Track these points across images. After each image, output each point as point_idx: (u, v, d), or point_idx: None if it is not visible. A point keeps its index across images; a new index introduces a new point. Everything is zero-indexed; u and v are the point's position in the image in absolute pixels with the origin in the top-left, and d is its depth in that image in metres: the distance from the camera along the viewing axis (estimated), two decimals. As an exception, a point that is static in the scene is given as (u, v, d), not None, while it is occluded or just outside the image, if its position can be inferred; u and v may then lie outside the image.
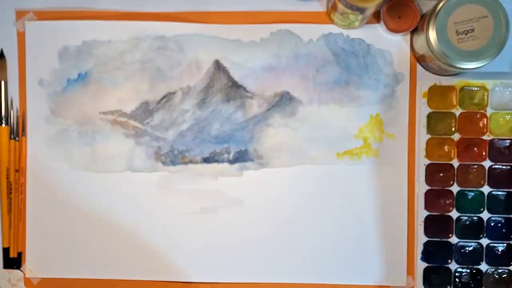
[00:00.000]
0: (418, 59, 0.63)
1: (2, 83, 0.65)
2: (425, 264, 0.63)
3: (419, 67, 0.64)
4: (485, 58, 0.56)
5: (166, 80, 0.64)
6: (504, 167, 0.63)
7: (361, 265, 0.64)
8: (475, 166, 0.63)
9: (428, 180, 0.63)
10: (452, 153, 0.63)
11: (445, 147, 0.63)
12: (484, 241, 0.63)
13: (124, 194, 0.65)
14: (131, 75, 0.64)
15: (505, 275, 0.63)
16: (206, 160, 0.65)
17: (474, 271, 0.63)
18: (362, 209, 0.64)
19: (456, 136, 0.63)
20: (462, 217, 0.63)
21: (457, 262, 0.63)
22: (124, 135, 0.65)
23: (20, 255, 0.66)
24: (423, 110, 0.63)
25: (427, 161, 0.63)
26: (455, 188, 0.63)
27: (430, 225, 0.63)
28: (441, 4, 0.56)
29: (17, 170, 0.65)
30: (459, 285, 0.63)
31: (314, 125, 0.64)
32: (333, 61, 0.64)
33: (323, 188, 0.64)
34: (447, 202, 0.63)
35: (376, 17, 0.63)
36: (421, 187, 0.63)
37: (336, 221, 0.64)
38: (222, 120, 0.65)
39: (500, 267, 0.63)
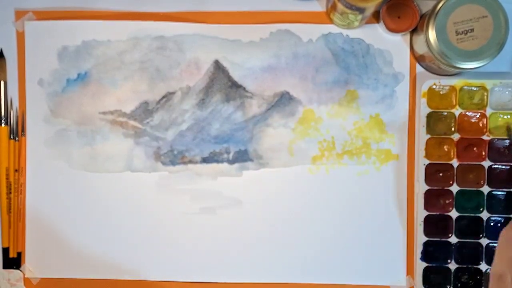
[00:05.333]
0: (418, 59, 0.63)
1: (2, 83, 0.65)
2: (425, 264, 0.63)
3: (418, 67, 0.64)
4: (484, 58, 0.56)
5: (166, 80, 0.64)
6: (503, 167, 0.63)
7: (361, 265, 0.64)
8: (475, 166, 0.63)
9: (428, 180, 0.63)
10: (452, 153, 0.63)
11: (445, 147, 0.63)
12: (484, 241, 0.63)
13: (123, 194, 0.65)
14: (130, 75, 0.64)
15: (504, 275, 0.63)
16: (206, 160, 0.65)
17: (473, 271, 0.63)
18: (362, 209, 0.64)
19: (456, 136, 0.63)
20: (461, 217, 0.63)
21: (457, 262, 0.63)
22: (124, 135, 0.65)
23: (19, 255, 0.66)
24: (422, 110, 0.63)
25: (427, 161, 0.63)
26: (454, 188, 0.63)
27: (430, 225, 0.63)
28: (440, 4, 0.56)
29: (16, 170, 0.65)
30: (459, 285, 0.63)
31: (314, 125, 0.64)
32: (332, 61, 0.64)
33: (323, 188, 0.64)
34: (447, 202, 0.63)
35: (376, 17, 0.63)
36: (421, 187, 0.63)
37: (335, 221, 0.64)
38: (221, 120, 0.65)
39: (500, 267, 0.63)
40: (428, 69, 0.63)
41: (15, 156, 0.65)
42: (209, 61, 0.64)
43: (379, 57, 0.64)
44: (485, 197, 0.63)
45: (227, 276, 0.65)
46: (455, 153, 0.63)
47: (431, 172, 0.63)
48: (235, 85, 0.64)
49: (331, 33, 0.64)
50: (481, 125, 0.63)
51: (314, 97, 0.64)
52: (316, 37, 0.64)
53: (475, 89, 0.63)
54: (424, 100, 0.63)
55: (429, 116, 0.63)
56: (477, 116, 0.63)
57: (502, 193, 0.63)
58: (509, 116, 0.63)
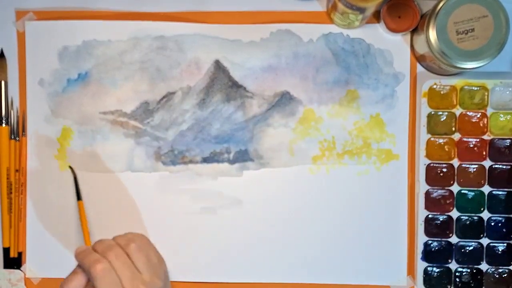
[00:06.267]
0: (418, 58, 0.63)
1: (2, 83, 0.65)
2: (425, 264, 0.63)
3: (419, 67, 0.64)
4: (485, 57, 0.56)
5: (166, 80, 0.64)
6: (504, 166, 0.63)
7: (361, 265, 0.64)
8: (475, 166, 0.63)
9: (428, 180, 0.63)
10: (452, 153, 0.63)
11: (445, 147, 0.63)
12: (485, 241, 0.63)
13: (124, 194, 0.65)
14: (131, 75, 0.64)
15: (505, 275, 0.63)
16: (206, 160, 0.65)
17: (474, 271, 0.63)
18: (362, 209, 0.64)
19: (456, 136, 0.63)
20: (462, 217, 0.63)
21: (458, 262, 0.63)
22: (124, 135, 0.65)
23: (20, 255, 0.66)
24: (423, 110, 0.63)
25: (427, 161, 0.63)
26: (455, 188, 0.63)
27: (430, 225, 0.63)
28: (441, 4, 0.56)
29: (17, 170, 0.65)
30: (460, 285, 0.63)
31: (314, 125, 0.64)
32: (333, 61, 0.64)
33: (323, 188, 0.64)
34: (447, 202, 0.63)
35: (376, 16, 0.63)
36: (421, 187, 0.63)
37: (336, 221, 0.64)
38: (222, 120, 0.65)
39: (501, 267, 0.63)
40: (428, 69, 0.63)
41: (16, 156, 0.65)
42: (210, 61, 0.64)
43: (380, 57, 0.64)
44: (486, 197, 0.63)
45: (227, 276, 0.65)
46: (456, 153, 0.63)
47: (431, 172, 0.63)
48: (235, 85, 0.64)
49: (331, 33, 0.64)
50: (481, 125, 0.63)
51: (314, 97, 0.64)
52: (316, 37, 0.64)
53: (475, 89, 0.63)
54: (424, 100, 0.63)
55: (430, 116, 0.63)
56: (478, 116, 0.63)
57: (503, 193, 0.63)
58: (510, 116, 0.63)
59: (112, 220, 0.65)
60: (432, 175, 0.63)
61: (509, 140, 0.63)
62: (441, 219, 0.63)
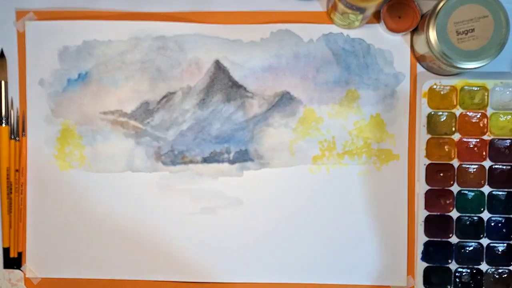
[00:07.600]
0: (418, 59, 0.63)
1: (3, 83, 0.65)
2: (425, 264, 0.63)
3: (419, 67, 0.64)
4: (485, 58, 0.56)
5: (166, 80, 0.64)
6: (504, 167, 0.63)
7: (361, 265, 0.64)
8: (475, 166, 0.63)
9: (428, 180, 0.63)
10: (452, 153, 0.63)
11: (445, 147, 0.63)
12: (484, 241, 0.63)
13: (124, 194, 0.65)
14: (131, 75, 0.65)
15: (505, 275, 0.63)
16: (207, 160, 0.65)
17: (474, 271, 0.63)
18: (362, 209, 0.64)
19: (456, 136, 0.63)
20: (462, 217, 0.63)
21: (457, 262, 0.63)
22: (124, 135, 0.65)
23: (20, 255, 0.66)
24: (423, 110, 0.63)
25: (427, 161, 0.63)
26: (455, 188, 0.63)
27: (430, 225, 0.63)
28: (441, 4, 0.56)
29: (17, 170, 0.65)
30: (460, 285, 0.63)
31: (314, 125, 0.64)
32: (333, 61, 0.64)
33: (323, 188, 0.64)
34: (447, 202, 0.63)
35: (376, 17, 0.63)
36: (421, 187, 0.63)
37: (336, 221, 0.64)
38: (222, 120, 0.65)
39: (500, 267, 0.63)
40: (428, 69, 0.63)
41: (16, 156, 0.65)
42: (210, 61, 0.64)
43: (380, 57, 0.64)
44: (486, 197, 0.63)
45: (228, 276, 0.65)
46: (456, 153, 0.63)
47: (431, 172, 0.63)
48: (235, 85, 0.64)
49: (331, 33, 0.64)
50: (481, 125, 0.63)
51: (315, 97, 0.64)
52: (316, 37, 0.64)
53: (476, 89, 0.63)
54: (424, 100, 0.63)
55: (430, 116, 0.63)
56: (478, 116, 0.63)
57: (503, 193, 0.63)
58: (510, 116, 0.63)
59: (112, 220, 0.65)
60: (432, 175, 0.63)
61: (509, 140, 0.63)
62: (441, 219, 0.63)
